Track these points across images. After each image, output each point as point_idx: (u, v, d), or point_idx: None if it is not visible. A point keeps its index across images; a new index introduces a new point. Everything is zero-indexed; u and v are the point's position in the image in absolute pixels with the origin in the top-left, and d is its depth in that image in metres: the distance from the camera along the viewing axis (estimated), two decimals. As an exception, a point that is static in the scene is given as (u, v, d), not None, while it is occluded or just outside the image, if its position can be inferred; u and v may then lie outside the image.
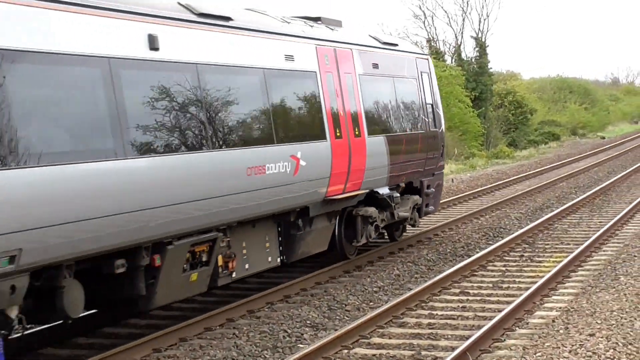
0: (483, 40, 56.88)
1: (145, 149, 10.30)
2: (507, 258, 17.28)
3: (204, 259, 11.72)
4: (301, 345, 11.32)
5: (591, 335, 11.08)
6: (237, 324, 12.46)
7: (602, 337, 10.94)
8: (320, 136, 14.21)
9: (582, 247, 17.08)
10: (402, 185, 17.53)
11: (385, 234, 18.40)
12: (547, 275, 14.50)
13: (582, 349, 10.51)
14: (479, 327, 11.60)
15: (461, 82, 48.62)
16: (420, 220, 18.76)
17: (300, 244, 14.36)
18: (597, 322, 11.70)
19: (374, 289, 14.63)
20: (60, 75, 9.33)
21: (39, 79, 9.09)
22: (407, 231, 19.47)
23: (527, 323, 12.12)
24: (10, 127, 8.53)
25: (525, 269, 16.17)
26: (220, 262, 12.22)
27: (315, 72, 14.38)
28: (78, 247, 9.31)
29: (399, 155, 16.88)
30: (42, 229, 8.75)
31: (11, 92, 8.61)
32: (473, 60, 55.84)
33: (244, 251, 12.91)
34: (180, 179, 10.73)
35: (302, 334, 11.86)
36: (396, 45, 18.18)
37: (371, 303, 13.72)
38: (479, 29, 57.97)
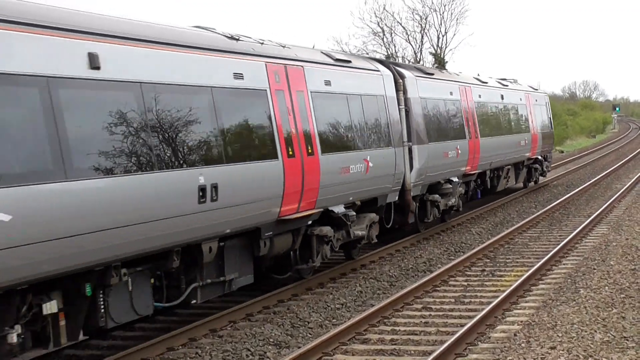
0: (442, 56, 57.24)
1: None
2: (468, 273, 17.37)
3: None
4: (264, 364, 11.28)
5: (552, 348, 11.17)
6: (200, 343, 12.38)
7: (563, 350, 11.03)
8: (531, 129, 33.42)
9: (542, 261, 17.22)
10: (540, 156, 34.78)
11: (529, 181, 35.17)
12: (509, 290, 14.59)
13: (544, 362, 10.58)
14: (442, 342, 11.64)
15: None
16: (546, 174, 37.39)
17: (514, 178, 31.37)
18: (558, 335, 11.80)
19: (337, 306, 14.62)
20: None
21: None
22: (374, 248, 19.67)
23: (489, 337, 12.18)
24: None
25: (486, 283, 16.26)
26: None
27: (523, 104, 32.79)
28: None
29: (543, 140, 34.70)
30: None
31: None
32: (433, 76, 56.03)
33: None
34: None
35: (265, 353, 11.82)
36: (537, 89, 37.43)
37: (334, 320, 13.71)
38: (438, 45, 58.41)
